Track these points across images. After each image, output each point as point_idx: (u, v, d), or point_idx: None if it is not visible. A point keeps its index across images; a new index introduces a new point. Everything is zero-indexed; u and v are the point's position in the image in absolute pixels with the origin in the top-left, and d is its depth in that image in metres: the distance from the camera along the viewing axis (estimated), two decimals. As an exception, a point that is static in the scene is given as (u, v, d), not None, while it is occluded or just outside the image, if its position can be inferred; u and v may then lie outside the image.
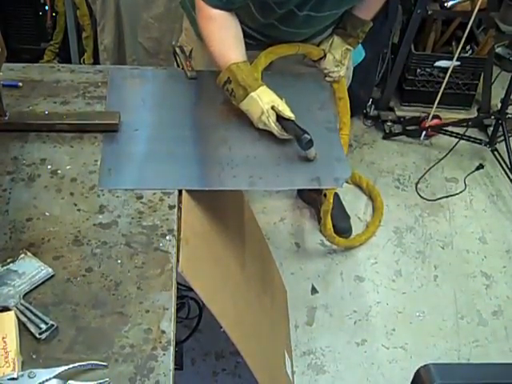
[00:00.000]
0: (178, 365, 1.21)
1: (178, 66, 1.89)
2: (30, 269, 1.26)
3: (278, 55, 1.88)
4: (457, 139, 3.02)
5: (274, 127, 1.61)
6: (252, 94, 1.63)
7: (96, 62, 2.98)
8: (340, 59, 1.95)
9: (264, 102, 1.62)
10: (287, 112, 1.61)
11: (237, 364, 2.19)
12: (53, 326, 1.17)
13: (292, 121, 1.60)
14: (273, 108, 1.61)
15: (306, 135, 1.56)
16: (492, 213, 2.86)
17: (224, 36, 1.72)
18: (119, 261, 1.31)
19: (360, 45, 2.07)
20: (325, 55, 1.95)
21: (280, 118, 1.61)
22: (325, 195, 2.25)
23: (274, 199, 2.80)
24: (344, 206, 2.73)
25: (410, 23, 2.96)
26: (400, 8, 3.05)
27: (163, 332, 1.19)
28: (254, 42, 1.90)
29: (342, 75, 1.98)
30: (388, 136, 3.20)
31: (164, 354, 1.16)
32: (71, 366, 1.10)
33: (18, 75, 1.75)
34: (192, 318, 2.02)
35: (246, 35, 1.77)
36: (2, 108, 1.56)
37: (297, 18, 1.78)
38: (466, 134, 3.03)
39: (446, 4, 2.88)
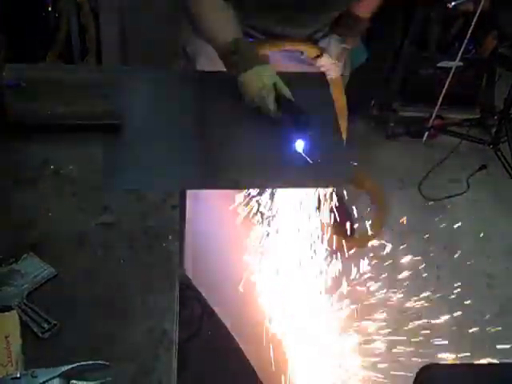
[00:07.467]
0: (181, 364, 1.21)
1: (181, 66, 1.90)
2: (33, 269, 1.26)
3: (273, 47, 1.89)
4: (459, 139, 3.02)
5: (271, 103, 1.61)
6: (257, 66, 1.63)
7: (99, 62, 2.99)
8: (337, 58, 1.96)
9: (267, 76, 1.62)
10: (287, 92, 1.61)
11: (240, 363, 2.18)
12: (55, 325, 1.17)
13: (291, 101, 1.61)
14: (274, 85, 1.61)
15: (303, 115, 1.57)
16: (495, 213, 2.86)
17: (221, 15, 1.72)
18: (122, 261, 1.31)
19: (363, 45, 2.07)
20: (322, 53, 1.96)
21: (278, 98, 1.61)
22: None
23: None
24: (347, 206, 2.73)
25: (412, 23, 2.96)
26: (402, 8, 3.05)
27: (165, 332, 1.19)
28: (255, 40, 1.91)
29: (338, 74, 1.98)
30: (390, 136, 3.20)
31: (166, 354, 1.16)
32: (74, 365, 1.10)
33: (21, 75, 1.75)
34: (195, 317, 2.02)
35: (246, 34, 1.78)
36: (5, 108, 1.56)
37: (295, 19, 1.79)
38: (469, 134, 3.03)
39: (448, 4, 2.88)
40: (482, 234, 2.75)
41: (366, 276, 2.53)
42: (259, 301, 2.16)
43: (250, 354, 1.93)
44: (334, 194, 2.23)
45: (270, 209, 2.06)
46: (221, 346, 2.20)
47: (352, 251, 2.62)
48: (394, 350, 2.31)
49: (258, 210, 2.09)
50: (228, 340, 1.94)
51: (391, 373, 2.23)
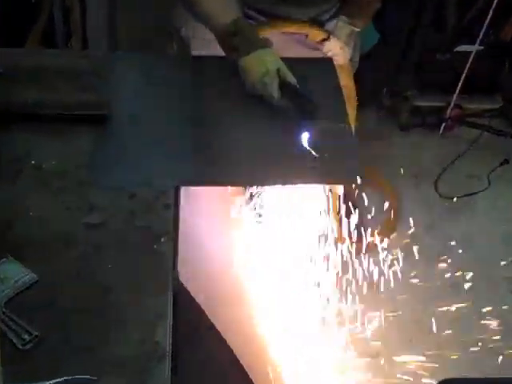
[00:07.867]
0: (172, 371, 1.21)
1: (175, 51, 1.89)
2: (13, 274, 1.26)
3: (274, 29, 1.89)
4: (480, 131, 3.02)
5: (274, 90, 1.61)
6: (260, 50, 1.63)
7: (85, 46, 2.98)
8: (345, 42, 1.96)
9: (271, 61, 1.62)
10: (292, 79, 1.62)
11: (235, 371, 2.19)
12: (37, 336, 1.16)
13: (296, 89, 1.61)
14: (278, 71, 1.61)
15: (309, 104, 1.57)
16: (518, 212, 2.87)
17: None
18: (110, 264, 1.31)
19: (374, 27, 2.07)
20: (329, 37, 1.96)
21: (282, 85, 1.62)
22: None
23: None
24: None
25: (427, 3, 2.96)
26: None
27: (158, 342, 1.19)
28: (255, 22, 1.91)
29: (347, 59, 1.98)
30: (404, 128, 3.20)
31: (159, 366, 1.16)
32: (57, 380, 1.09)
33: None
34: (188, 324, 2.02)
35: (246, 16, 1.78)
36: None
37: None
38: (490, 125, 3.03)
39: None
40: (503, 235, 2.75)
41: (378, 278, 2.53)
42: (256, 303, 2.17)
43: (244, 357, 1.94)
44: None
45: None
46: (215, 354, 2.21)
47: (364, 252, 2.62)
48: (410, 362, 2.31)
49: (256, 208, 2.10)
50: (223, 348, 1.95)
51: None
